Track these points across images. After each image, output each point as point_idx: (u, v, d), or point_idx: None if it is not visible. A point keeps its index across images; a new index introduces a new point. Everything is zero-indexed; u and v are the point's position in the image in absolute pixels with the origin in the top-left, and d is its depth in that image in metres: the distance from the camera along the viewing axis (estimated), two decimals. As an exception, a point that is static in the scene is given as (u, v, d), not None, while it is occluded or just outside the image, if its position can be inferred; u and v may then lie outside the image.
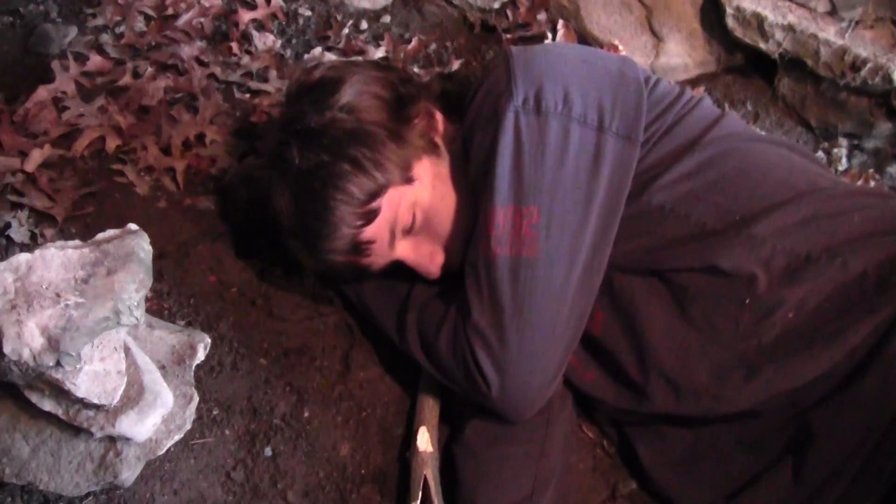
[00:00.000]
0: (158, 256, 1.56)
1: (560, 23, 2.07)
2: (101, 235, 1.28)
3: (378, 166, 1.36)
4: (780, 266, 1.31)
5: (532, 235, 1.31)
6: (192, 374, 1.38)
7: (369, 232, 1.37)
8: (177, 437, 1.34)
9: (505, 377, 1.31)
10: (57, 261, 1.21)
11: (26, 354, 1.13)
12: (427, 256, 1.45)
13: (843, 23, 1.95)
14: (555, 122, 1.33)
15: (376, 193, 1.36)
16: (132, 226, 1.30)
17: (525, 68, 1.37)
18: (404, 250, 1.44)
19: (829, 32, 1.94)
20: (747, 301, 1.30)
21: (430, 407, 1.50)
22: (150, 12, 2.11)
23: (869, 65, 1.91)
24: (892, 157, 2.05)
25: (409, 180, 1.39)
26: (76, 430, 1.26)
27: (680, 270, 1.34)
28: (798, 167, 1.47)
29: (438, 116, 1.51)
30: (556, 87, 1.34)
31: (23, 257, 1.20)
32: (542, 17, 2.08)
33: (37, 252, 1.21)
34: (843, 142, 2.06)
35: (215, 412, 1.48)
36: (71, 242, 1.26)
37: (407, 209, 1.39)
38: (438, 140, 1.47)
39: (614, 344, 1.41)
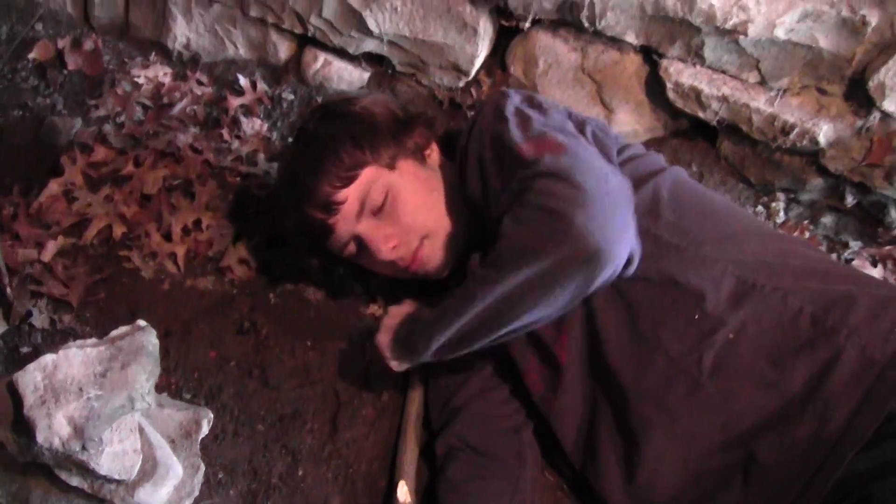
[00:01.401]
0: (164, 335, 1.79)
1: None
2: (114, 333, 1.51)
3: (370, 147, 1.63)
4: (728, 288, 1.43)
5: (557, 142, 1.47)
6: (199, 446, 1.60)
7: (343, 194, 1.62)
8: (187, 503, 1.56)
9: (587, 209, 1.29)
10: (78, 359, 1.44)
11: (56, 442, 1.36)
12: (383, 238, 1.63)
13: (772, 92, 2.13)
14: (549, 107, 1.59)
15: (360, 165, 1.62)
16: (141, 322, 1.53)
17: (517, 89, 1.67)
18: (365, 227, 1.64)
19: (759, 101, 2.12)
20: (696, 317, 1.42)
21: (408, 461, 1.71)
22: (148, 102, 2.34)
23: (797, 129, 2.10)
24: (826, 209, 2.25)
25: (391, 167, 1.64)
26: (100, 502, 1.49)
27: (636, 280, 1.45)
28: (742, 211, 1.70)
29: (434, 143, 1.78)
30: (544, 97, 1.65)
31: (49, 357, 1.43)
32: (503, 92, 2.29)
33: (61, 352, 1.44)
34: (781, 196, 2.25)
35: (220, 475, 1.69)
36: (89, 341, 1.48)
37: (380, 189, 1.62)
38: (428, 156, 1.73)
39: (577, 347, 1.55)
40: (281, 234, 1.90)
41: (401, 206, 1.63)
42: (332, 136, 1.65)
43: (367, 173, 1.63)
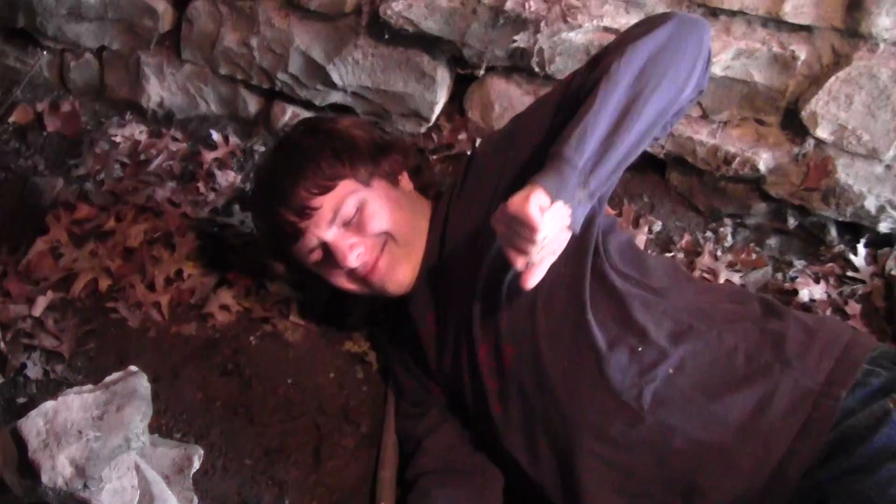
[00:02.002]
0: (153, 380, 1.87)
1: (478, 141, 2.43)
2: (108, 378, 1.63)
3: (349, 162, 1.74)
4: (667, 328, 1.55)
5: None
6: (191, 481, 1.72)
7: (318, 201, 1.70)
8: (183, 534, 1.69)
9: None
10: (76, 404, 1.56)
11: (59, 482, 1.49)
12: (349, 246, 1.71)
13: (713, 125, 2.27)
14: None
15: (338, 176, 1.72)
16: (132, 367, 1.66)
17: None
18: (334, 235, 1.72)
19: (702, 134, 2.26)
20: (639, 349, 1.52)
21: (387, 486, 1.84)
22: (125, 160, 2.47)
23: (738, 158, 2.25)
24: (771, 231, 2.40)
25: (366, 183, 1.75)
26: (102, 536, 1.61)
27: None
28: (677, 268, 1.84)
29: (406, 172, 1.88)
30: None
31: (49, 404, 1.55)
32: (462, 136, 2.42)
33: (60, 399, 1.56)
34: (728, 222, 2.39)
35: (212, 508, 1.82)
36: (86, 387, 1.61)
37: (354, 202, 1.72)
38: (400, 180, 1.85)
39: (523, 377, 1.61)
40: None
41: (369, 219, 1.72)
42: (313, 147, 1.76)
43: (344, 185, 1.73)
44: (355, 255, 1.71)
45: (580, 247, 1.58)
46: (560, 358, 1.57)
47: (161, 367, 2.00)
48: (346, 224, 1.72)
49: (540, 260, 1.35)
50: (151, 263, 2.15)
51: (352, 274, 1.76)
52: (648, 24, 1.50)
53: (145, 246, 2.19)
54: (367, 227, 1.72)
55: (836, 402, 1.45)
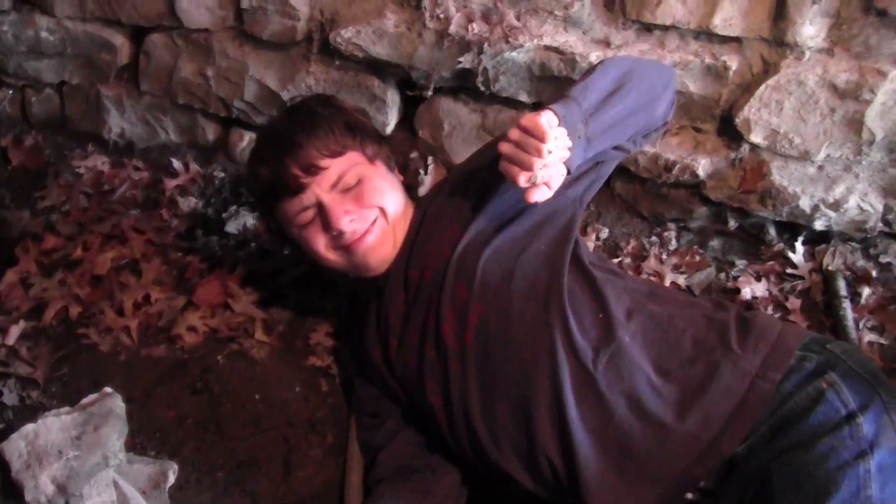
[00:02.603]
0: (126, 401, 1.96)
1: (430, 158, 2.54)
2: (85, 400, 1.73)
3: (360, 137, 1.88)
4: (625, 304, 1.76)
5: None
6: (167, 495, 1.83)
7: (327, 162, 1.81)
8: (161, 546, 1.79)
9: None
10: (56, 426, 1.66)
11: (42, 500, 1.58)
12: (343, 210, 1.80)
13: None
14: None
15: (349, 146, 1.85)
16: (107, 389, 1.76)
17: None
18: (332, 197, 1.82)
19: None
20: (600, 316, 1.73)
21: (353, 493, 1.95)
22: (90, 190, 2.57)
23: (678, 165, 2.37)
24: (713, 233, 2.52)
25: (371, 160, 1.89)
26: (85, 550, 1.71)
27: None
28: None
29: (396, 167, 2.04)
30: None
31: (30, 427, 1.65)
32: (414, 155, 2.53)
33: (40, 421, 1.66)
34: (672, 226, 2.52)
35: (187, 521, 1.92)
36: (64, 409, 1.71)
37: (356, 173, 1.84)
38: (395, 171, 2.00)
39: (489, 333, 1.72)
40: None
41: (368, 192, 1.83)
42: (329, 115, 1.88)
43: (351, 156, 1.85)
44: (348, 219, 1.80)
45: (562, 231, 1.77)
46: (528, 315, 1.68)
47: (133, 388, 2.09)
48: (345, 191, 1.82)
49: (540, 180, 1.48)
50: (119, 289, 2.24)
51: (336, 240, 1.84)
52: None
53: (113, 273, 2.29)
54: (365, 199, 1.83)
55: (772, 384, 1.59)
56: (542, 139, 1.44)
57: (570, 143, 1.51)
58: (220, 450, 2.00)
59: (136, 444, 1.99)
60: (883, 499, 1.47)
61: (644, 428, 1.62)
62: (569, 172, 1.53)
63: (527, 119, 1.47)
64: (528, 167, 1.47)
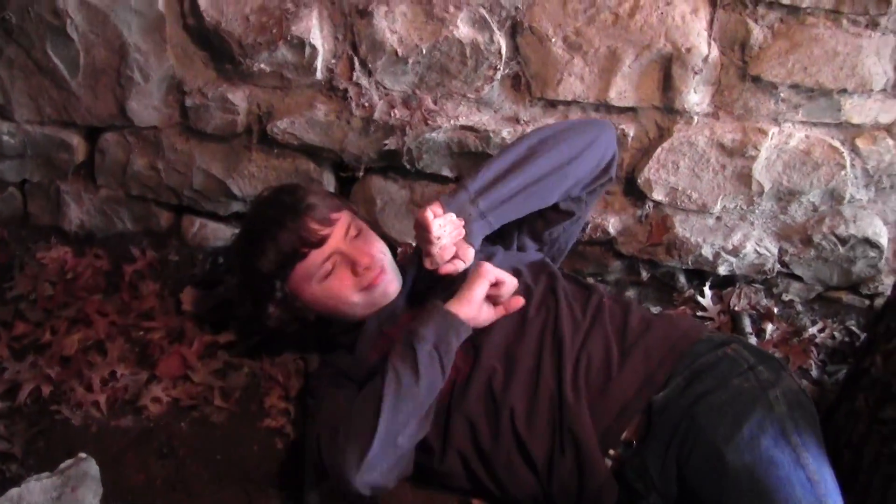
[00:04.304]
0: (99, 467, 2.26)
1: (366, 232, 2.83)
2: (62, 465, 2.01)
3: (345, 202, 2.25)
4: (601, 294, 2.20)
5: None
6: (139, 548, 2.09)
7: (336, 216, 2.14)
8: None
9: None
10: (37, 488, 1.94)
11: (28, 555, 1.86)
12: (361, 253, 2.11)
13: None
14: None
15: (342, 206, 2.21)
16: (82, 454, 2.04)
17: None
18: (348, 244, 2.14)
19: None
20: (588, 293, 2.19)
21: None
22: (54, 279, 2.84)
23: (590, 224, 2.67)
24: (629, 284, 2.82)
25: (358, 216, 2.27)
26: None
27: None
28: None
29: None
30: None
31: (14, 491, 1.93)
32: (353, 229, 2.84)
33: (23, 485, 1.94)
34: (591, 280, 2.82)
35: (160, 573, 2.17)
36: (44, 474, 1.98)
37: (356, 225, 2.19)
38: None
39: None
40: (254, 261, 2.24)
41: (370, 237, 2.19)
42: (311, 188, 2.24)
43: (347, 212, 2.19)
44: (366, 261, 2.10)
45: (550, 279, 2.20)
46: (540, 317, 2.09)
47: (104, 456, 2.29)
48: (354, 239, 2.14)
49: (444, 259, 1.98)
50: (87, 368, 2.48)
51: (362, 280, 2.13)
52: (567, 122, 2.25)
53: (80, 353, 2.54)
54: (371, 244, 2.17)
55: (690, 344, 1.99)
56: (427, 230, 1.91)
57: (461, 223, 1.97)
58: (186, 507, 2.22)
59: (110, 505, 2.22)
60: (791, 416, 1.81)
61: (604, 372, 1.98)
62: (473, 245, 1.99)
63: (417, 215, 1.92)
64: (427, 253, 1.95)
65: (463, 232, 1.96)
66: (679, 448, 1.82)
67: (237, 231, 2.37)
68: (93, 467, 1.99)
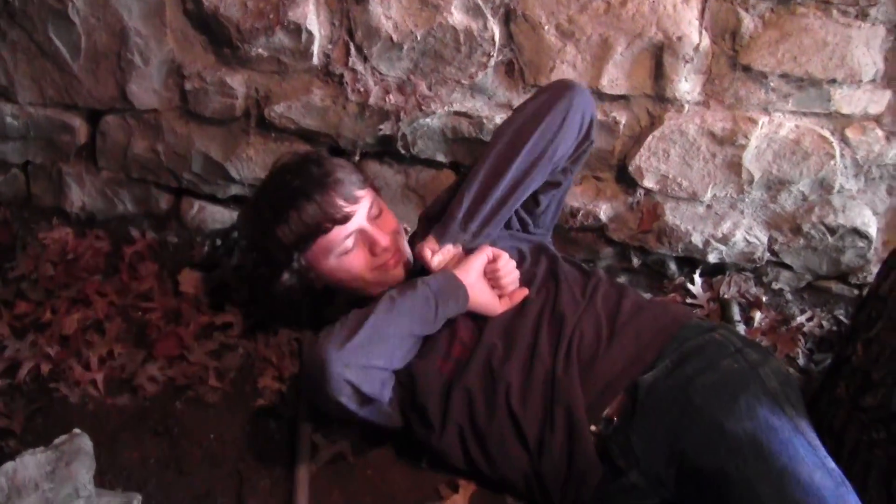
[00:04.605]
0: (94, 445, 2.25)
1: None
2: (57, 440, 2.05)
3: (367, 179, 2.28)
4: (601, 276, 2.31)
5: None
6: (133, 522, 2.14)
7: (361, 193, 2.16)
8: (127, 567, 2.10)
9: None
10: (32, 463, 1.98)
11: (23, 526, 1.91)
12: (381, 235, 2.16)
13: None
14: None
15: (366, 182, 2.25)
16: (77, 430, 2.08)
17: None
18: (372, 224, 2.18)
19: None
20: (589, 275, 2.31)
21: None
22: (56, 260, 2.88)
23: (582, 211, 2.71)
24: (620, 271, 2.87)
25: (378, 193, 2.32)
26: (61, 572, 2.02)
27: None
28: None
29: None
30: None
31: (10, 464, 1.95)
32: (349, 213, 2.89)
33: (18, 459, 1.96)
34: (583, 266, 2.87)
35: (152, 547, 2.22)
36: (39, 449, 2.02)
37: (377, 205, 2.22)
38: None
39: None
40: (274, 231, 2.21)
41: (389, 219, 2.24)
42: (342, 164, 2.23)
43: (370, 190, 2.21)
44: (385, 242, 2.15)
45: (551, 261, 2.32)
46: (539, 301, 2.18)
47: (101, 434, 2.35)
48: (375, 219, 2.17)
49: None
50: (86, 347, 2.54)
51: (378, 259, 2.18)
52: (536, 94, 2.20)
53: (79, 332, 2.59)
54: (390, 224, 2.21)
55: (679, 328, 2.04)
56: (428, 267, 2.13)
57: (458, 251, 2.18)
58: (180, 485, 2.27)
59: (105, 482, 2.25)
60: (783, 391, 1.86)
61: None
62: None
63: (415, 251, 2.17)
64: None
65: (462, 256, 2.14)
66: (673, 426, 1.85)
67: (256, 193, 2.34)
68: (87, 443, 2.03)
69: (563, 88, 2.12)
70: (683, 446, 1.83)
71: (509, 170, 2.09)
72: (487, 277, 2.11)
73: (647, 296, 2.81)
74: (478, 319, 2.09)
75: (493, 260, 2.11)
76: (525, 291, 2.15)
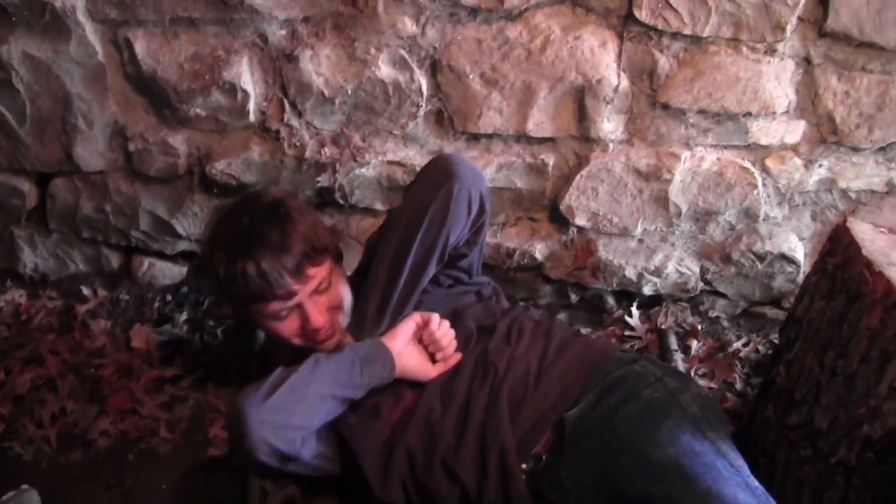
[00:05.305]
0: (49, 500, 2.37)
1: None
2: (5, 497, 2.14)
3: (332, 243, 2.22)
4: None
5: None
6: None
7: (312, 272, 2.07)
8: None
9: None
10: (-19, 518, 2.08)
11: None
12: (321, 316, 2.10)
13: (494, 226, 2.73)
14: None
15: (327, 254, 2.16)
16: (24, 486, 2.18)
17: None
18: (312, 302, 2.11)
19: (487, 235, 2.79)
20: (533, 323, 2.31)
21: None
22: (10, 321, 2.98)
23: (518, 251, 2.81)
24: (560, 307, 2.97)
25: (336, 262, 2.23)
26: None
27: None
28: None
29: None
30: None
31: (-40, 523, 2.07)
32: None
33: (-33, 516, 2.08)
34: (523, 304, 2.95)
35: None
36: (-12, 505, 2.13)
37: (328, 279, 2.13)
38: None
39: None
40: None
41: (335, 296, 2.15)
42: (307, 221, 2.12)
43: (323, 268, 2.11)
44: (322, 321, 2.09)
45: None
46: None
47: (54, 489, 2.42)
48: (320, 294, 2.10)
49: None
50: (38, 405, 2.61)
51: (308, 334, 2.12)
52: (418, 177, 2.21)
53: (32, 392, 2.66)
54: (333, 301, 2.15)
55: (602, 362, 2.10)
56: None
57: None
58: (135, 535, 2.34)
59: (59, 536, 2.35)
60: (704, 416, 1.92)
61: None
62: None
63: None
64: None
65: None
66: (600, 458, 1.89)
67: (215, 227, 2.23)
68: (34, 498, 2.13)
69: (442, 177, 2.09)
70: (612, 476, 1.86)
71: (405, 266, 2.14)
72: (425, 343, 2.17)
73: (586, 330, 2.89)
74: (418, 384, 2.14)
75: (425, 325, 2.16)
76: (458, 356, 2.19)
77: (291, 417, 1.93)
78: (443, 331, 2.16)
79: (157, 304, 2.93)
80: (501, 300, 2.44)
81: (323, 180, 2.68)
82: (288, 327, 2.13)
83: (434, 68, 2.56)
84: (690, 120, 2.57)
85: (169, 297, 2.92)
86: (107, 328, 2.94)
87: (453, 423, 2.05)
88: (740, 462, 1.89)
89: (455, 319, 2.24)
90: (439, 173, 2.09)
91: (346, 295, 2.20)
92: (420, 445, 2.03)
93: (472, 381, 2.10)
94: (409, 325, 2.16)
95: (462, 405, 2.07)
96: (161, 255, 3.00)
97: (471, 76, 2.55)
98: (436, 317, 2.17)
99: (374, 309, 2.17)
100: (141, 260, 3.10)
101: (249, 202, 2.19)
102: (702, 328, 2.91)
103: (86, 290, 3.08)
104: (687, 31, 2.43)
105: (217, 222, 2.20)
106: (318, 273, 2.09)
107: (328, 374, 1.99)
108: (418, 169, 2.53)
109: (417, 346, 2.18)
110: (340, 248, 2.28)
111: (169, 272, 3.03)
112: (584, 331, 2.90)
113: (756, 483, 1.83)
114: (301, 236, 2.06)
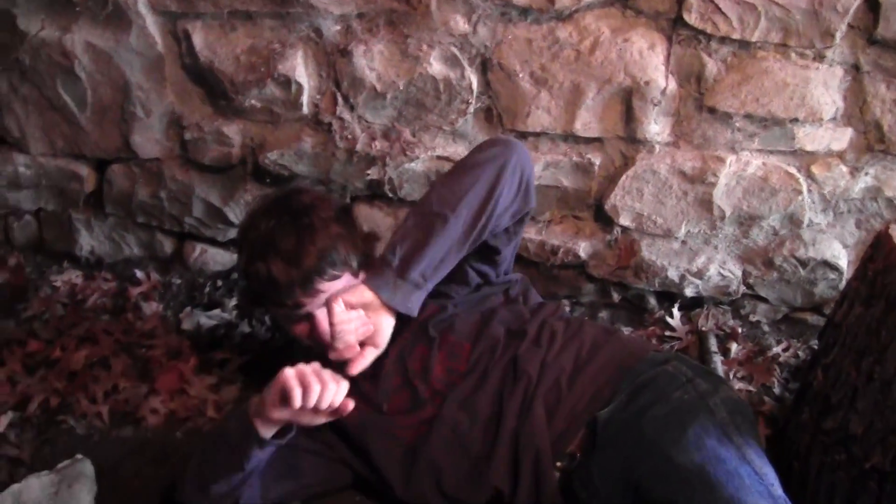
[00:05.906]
0: (99, 473, 2.41)
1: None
2: (60, 465, 2.24)
3: (353, 258, 2.19)
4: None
5: None
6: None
7: (324, 287, 2.07)
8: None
9: None
10: (37, 485, 2.17)
11: (27, 544, 2.10)
12: (324, 324, 2.06)
13: (539, 224, 2.81)
14: None
15: (346, 269, 2.14)
16: (79, 455, 2.28)
17: None
18: (323, 313, 2.06)
19: (531, 233, 2.81)
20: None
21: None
22: (65, 300, 3.09)
23: (562, 249, 2.87)
24: (601, 306, 3.02)
25: (356, 275, 2.19)
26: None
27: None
28: None
29: None
30: None
31: (16, 486, 2.15)
32: (342, 253, 3.08)
33: (23, 482, 2.16)
34: (566, 302, 3.00)
35: (151, 566, 2.39)
36: (43, 472, 2.22)
37: (341, 293, 1.99)
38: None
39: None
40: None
41: (365, 327, 2.00)
42: (332, 233, 2.12)
43: (345, 277, 2.12)
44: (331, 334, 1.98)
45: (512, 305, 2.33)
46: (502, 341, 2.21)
47: (105, 463, 2.49)
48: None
49: (354, 360, 2.07)
50: (92, 382, 2.71)
51: (315, 340, 2.13)
52: (473, 151, 2.14)
53: (86, 368, 2.76)
54: (364, 333, 2.00)
55: (635, 363, 2.07)
56: (333, 325, 1.99)
57: (368, 321, 2.01)
58: (177, 509, 2.45)
59: (107, 506, 2.44)
60: (732, 420, 1.90)
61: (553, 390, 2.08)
62: (412, 313, 2.05)
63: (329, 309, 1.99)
64: (331, 349, 2.07)
65: (370, 329, 1.99)
66: (628, 458, 1.89)
67: (247, 221, 2.27)
68: (88, 467, 2.22)
69: (500, 147, 2.08)
70: (638, 477, 1.86)
71: (456, 218, 2.00)
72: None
73: (628, 330, 2.97)
74: (436, 395, 2.12)
75: (290, 389, 1.81)
76: (350, 403, 1.87)
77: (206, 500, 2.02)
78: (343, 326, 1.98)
79: (207, 290, 3.00)
80: (531, 297, 2.39)
81: (373, 173, 2.73)
82: (298, 329, 2.18)
83: (484, 66, 2.59)
84: (737, 124, 2.61)
85: (219, 283, 2.99)
86: (158, 311, 3.04)
87: (482, 432, 2.04)
88: (766, 469, 1.90)
89: (482, 326, 2.21)
90: (498, 143, 2.09)
91: (381, 335, 2.03)
92: (446, 456, 2.05)
93: (501, 388, 2.07)
94: (271, 393, 1.90)
95: (492, 415, 2.05)
96: (213, 242, 3.09)
97: (520, 75, 2.62)
98: (308, 378, 1.82)
99: (402, 256, 1.98)
100: (193, 246, 3.19)
101: (282, 203, 2.20)
102: (742, 332, 2.95)
103: (139, 274, 3.18)
104: (735, 36, 2.48)
105: (250, 215, 2.25)
106: (331, 287, 2.09)
107: (217, 456, 2.05)
108: (466, 165, 2.60)
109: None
110: (371, 256, 2.24)
111: (220, 258, 3.11)
112: (625, 330, 2.96)
113: (779, 492, 1.85)
114: (318, 250, 2.07)
